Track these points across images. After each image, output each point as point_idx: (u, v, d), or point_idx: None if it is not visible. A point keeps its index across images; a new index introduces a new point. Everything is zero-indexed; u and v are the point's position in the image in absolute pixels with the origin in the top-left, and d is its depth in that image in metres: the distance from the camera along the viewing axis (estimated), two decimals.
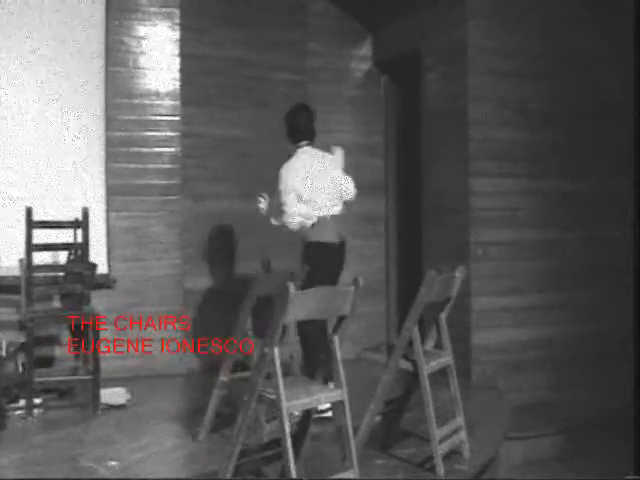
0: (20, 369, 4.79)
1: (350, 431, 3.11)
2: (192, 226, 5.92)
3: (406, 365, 3.59)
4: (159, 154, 5.84)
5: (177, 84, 5.89)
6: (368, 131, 6.65)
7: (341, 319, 3.15)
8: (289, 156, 4.58)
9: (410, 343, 3.54)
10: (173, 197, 5.87)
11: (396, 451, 3.81)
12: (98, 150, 5.63)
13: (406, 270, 6.60)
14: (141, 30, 5.81)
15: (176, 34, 5.88)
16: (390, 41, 6.45)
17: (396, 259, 6.74)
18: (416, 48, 6.00)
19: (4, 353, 4.81)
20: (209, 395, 3.99)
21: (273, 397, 2.94)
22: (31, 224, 4.78)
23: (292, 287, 2.87)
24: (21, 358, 4.77)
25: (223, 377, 3.96)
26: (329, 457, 3.60)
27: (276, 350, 2.93)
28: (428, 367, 3.55)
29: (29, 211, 4.78)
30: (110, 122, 5.67)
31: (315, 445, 3.64)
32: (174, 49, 5.89)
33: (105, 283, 5.48)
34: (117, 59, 5.72)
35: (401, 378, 3.79)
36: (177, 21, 5.88)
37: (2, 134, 5.37)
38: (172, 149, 5.88)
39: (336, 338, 3.13)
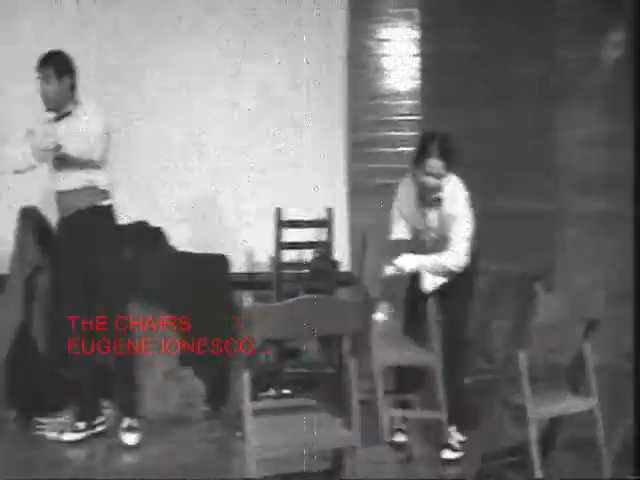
0: (270, 359, 5.06)
1: (602, 443, 2.96)
2: None
3: None
4: (399, 154, 5.90)
5: (417, 83, 5.93)
6: (616, 123, 6.25)
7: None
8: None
9: None
10: None
11: None
12: (340, 151, 5.81)
13: None
14: (382, 32, 5.92)
15: (416, 33, 5.92)
16: None
17: None
18: None
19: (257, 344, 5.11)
20: None
21: (519, 402, 2.87)
22: (280, 223, 5.03)
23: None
24: (272, 349, 5.04)
25: None
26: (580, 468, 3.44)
27: (522, 354, 2.85)
28: None
29: (279, 211, 5.03)
30: (352, 123, 5.83)
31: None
32: (414, 49, 5.93)
33: (347, 280, 5.63)
34: (359, 62, 5.87)
35: None
36: (417, 20, 5.92)
37: (253, 135, 5.72)
38: (411, 149, 5.90)
39: (587, 345, 2.99)
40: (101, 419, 4.23)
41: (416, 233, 4.03)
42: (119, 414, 4.19)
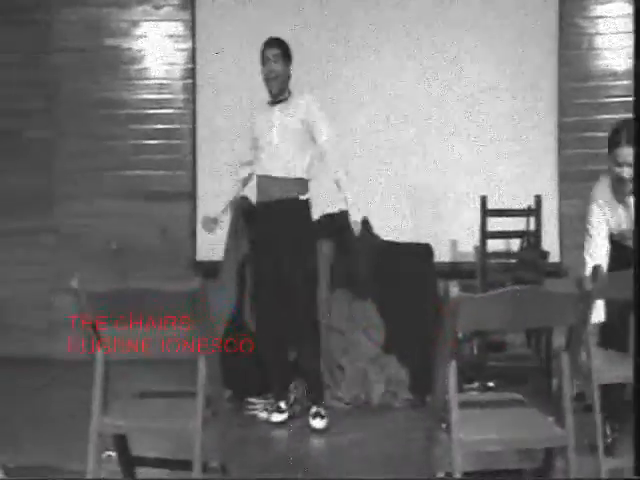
0: (475, 352, 4.98)
1: None
2: None
3: None
4: None
5: (634, 62, 5.54)
6: None
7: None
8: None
9: None
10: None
11: None
12: (551, 136, 5.58)
13: None
14: (596, 10, 5.61)
15: (631, 8, 5.55)
16: None
17: None
18: None
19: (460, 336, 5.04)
20: None
21: None
22: (486, 212, 4.92)
23: None
24: (477, 341, 4.95)
25: None
26: None
27: None
28: None
29: (484, 199, 4.92)
30: (564, 107, 5.58)
31: None
32: (630, 25, 5.56)
33: (557, 271, 5.41)
34: (571, 42, 5.60)
35: None
36: None
37: (458, 122, 5.64)
38: None
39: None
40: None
41: (621, 236, 3.74)
42: (308, 401, 4.33)
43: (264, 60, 4.19)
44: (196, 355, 2.65)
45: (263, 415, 4.38)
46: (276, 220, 4.15)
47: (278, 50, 4.18)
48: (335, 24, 5.72)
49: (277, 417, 4.29)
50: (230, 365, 4.36)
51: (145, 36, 5.94)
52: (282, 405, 4.32)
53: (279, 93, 4.18)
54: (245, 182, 4.43)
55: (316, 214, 4.90)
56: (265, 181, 4.20)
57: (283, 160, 4.14)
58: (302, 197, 4.20)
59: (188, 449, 2.61)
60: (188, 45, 5.87)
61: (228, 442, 3.14)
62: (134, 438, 2.93)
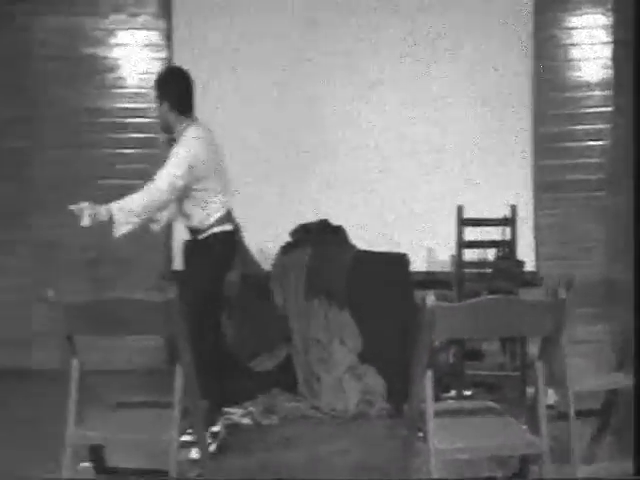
0: (451, 360, 5.00)
1: None
2: (622, 223, 5.61)
3: None
4: (588, 148, 5.65)
5: (609, 73, 5.63)
6: None
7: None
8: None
9: None
10: (601, 193, 5.64)
11: None
12: (525, 146, 5.63)
13: None
14: (571, 20, 5.67)
15: (608, 20, 5.63)
16: None
17: None
18: None
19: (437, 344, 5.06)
20: None
21: None
22: (462, 221, 4.94)
23: None
24: (453, 350, 4.97)
25: None
26: None
27: None
28: None
29: (460, 209, 4.95)
30: (539, 117, 5.64)
31: None
32: (605, 36, 5.64)
33: (532, 281, 5.45)
34: (547, 53, 5.66)
35: None
36: (609, 6, 5.62)
37: (432, 130, 5.66)
38: (601, 142, 5.64)
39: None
40: None
41: None
42: None
43: None
44: (172, 365, 2.65)
45: (245, 421, 4.35)
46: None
47: (155, 92, 4.11)
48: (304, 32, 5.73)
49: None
50: (206, 375, 4.36)
51: (121, 44, 5.92)
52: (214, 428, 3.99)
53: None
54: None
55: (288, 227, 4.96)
56: None
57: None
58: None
59: (165, 460, 2.60)
60: (164, 54, 5.87)
61: (206, 452, 3.13)
62: (111, 449, 2.91)
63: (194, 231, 4.09)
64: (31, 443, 3.98)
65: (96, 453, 2.83)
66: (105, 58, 5.92)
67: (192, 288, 3.82)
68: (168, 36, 5.84)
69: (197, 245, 4.08)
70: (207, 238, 4.03)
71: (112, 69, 5.91)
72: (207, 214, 4.01)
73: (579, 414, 3.23)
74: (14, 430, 4.25)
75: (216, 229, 4.02)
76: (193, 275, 4.05)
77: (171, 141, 4.07)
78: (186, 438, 3.58)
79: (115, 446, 2.91)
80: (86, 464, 2.91)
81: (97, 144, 5.90)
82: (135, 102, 5.90)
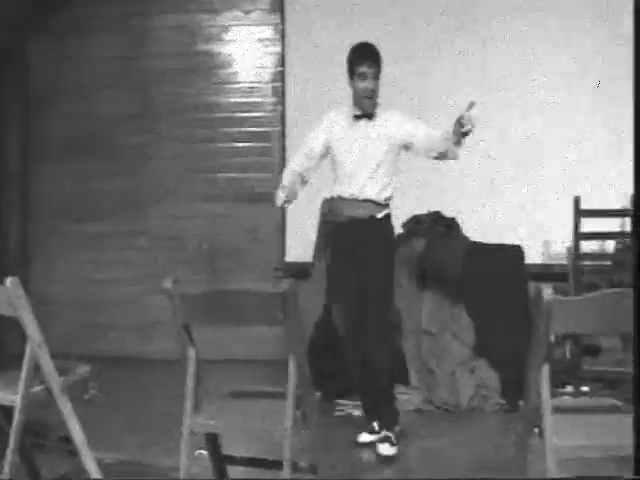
0: (568, 355, 4.86)
1: None
2: None
3: None
4: None
5: None
6: None
7: None
8: None
9: None
10: None
11: None
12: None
13: None
14: None
15: None
16: None
17: None
18: None
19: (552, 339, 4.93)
20: None
21: None
22: (579, 213, 4.79)
23: None
24: (570, 345, 4.83)
25: None
26: None
27: None
28: None
29: (577, 200, 4.79)
30: None
31: None
32: None
33: None
34: None
35: None
36: None
37: (551, 122, 5.53)
38: None
39: None
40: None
41: None
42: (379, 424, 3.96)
43: (358, 75, 3.81)
44: (286, 355, 2.68)
45: (357, 413, 4.36)
46: (354, 237, 3.89)
47: (377, 67, 3.81)
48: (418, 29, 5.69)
49: (365, 437, 3.98)
50: (319, 366, 4.41)
51: (235, 40, 6.04)
52: (375, 425, 3.96)
53: (371, 111, 3.86)
54: (298, 178, 3.96)
55: (404, 215, 4.92)
56: (338, 201, 3.95)
57: (358, 182, 3.86)
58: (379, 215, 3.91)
59: (278, 449, 2.64)
60: (277, 49, 5.94)
61: (318, 443, 3.16)
62: (226, 437, 2.98)
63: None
64: (150, 431, 4.13)
65: (212, 441, 2.91)
66: (219, 54, 6.05)
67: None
68: (281, 30, 5.91)
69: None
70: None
71: (226, 65, 6.04)
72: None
73: None
74: (134, 418, 4.43)
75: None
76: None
77: (360, 117, 3.88)
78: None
79: (230, 435, 2.98)
80: (202, 451, 2.99)
81: (212, 139, 6.04)
82: (249, 97, 6.01)
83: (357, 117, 3.89)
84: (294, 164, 4.00)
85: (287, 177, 3.93)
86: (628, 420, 2.66)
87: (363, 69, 3.79)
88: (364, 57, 3.82)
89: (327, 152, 3.96)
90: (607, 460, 3.29)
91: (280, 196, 3.82)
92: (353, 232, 3.88)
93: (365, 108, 3.85)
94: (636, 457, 2.53)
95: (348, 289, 3.93)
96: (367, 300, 3.83)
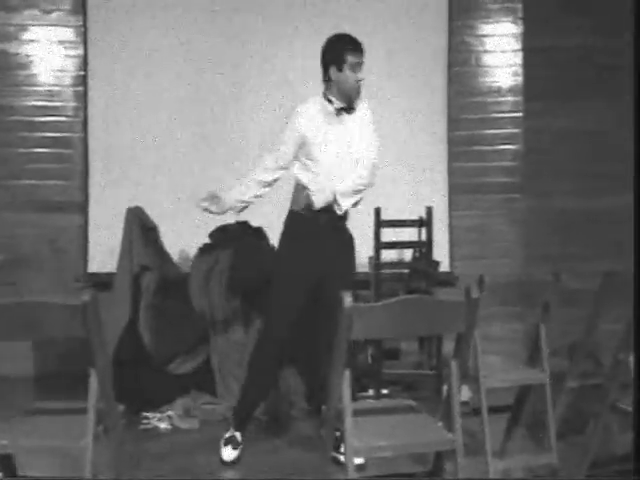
0: (369, 360, 5.05)
1: None
2: (534, 224, 5.79)
3: None
4: (501, 152, 5.80)
5: (519, 79, 5.79)
6: None
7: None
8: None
9: None
10: (515, 195, 5.80)
11: None
12: (441, 150, 5.75)
13: None
14: (483, 28, 5.81)
15: (518, 28, 5.79)
16: None
17: None
18: None
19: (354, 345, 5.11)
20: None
21: (629, 409, 2.76)
22: (380, 223, 5.01)
23: None
24: (371, 350, 5.03)
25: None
26: None
27: (632, 357, 2.74)
28: None
29: (378, 211, 5.01)
30: (452, 122, 5.76)
31: None
32: (516, 44, 5.80)
33: (448, 281, 5.56)
34: (460, 59, 5.78)
35: None
36: (520, 15, 5.78)
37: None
38: (514, 146, 5.81)
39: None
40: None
41: None
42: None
43: (350, 65, 3.68)
44: (87, 369, 2.60)
45: (164, 425, 4.29)
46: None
47: (363, 58, 3.74)
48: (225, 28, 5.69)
49: (229, 454, 3.81)
50: (124, 379, 4.29)
51: (34, 41, 5.76)
52: (239, 437, 3.87)
53: (356, 104, 3.77)
54: (266, 185, 3.85)
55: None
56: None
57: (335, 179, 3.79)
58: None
59: (80, 466, 2.55)
60: (80, 51, 5.74)
61: (122, 457, 3.08)
62: (26, 457, 2.84)
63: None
64: None
65: (5, 463, 2.75)
66: (16, 54, 5.75)
67: None
68: (83, 33, 5.71)
69: None
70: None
71: (24, 66, 5.75)
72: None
73: (493, 410, 3.32)
74: None
75: None
76: None
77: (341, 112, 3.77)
78: None
79: (30, 454, 2.84)
80: None
81: (9, 143, 5.72)
82: (49, 100, 5.75)
83: (340, 110, 3.77)
84: (262, 173, 3.83)
85: (252, 190, 3.81)
86: (421, 419, 2.82)
87: (356, 59, 3.70)
88: (357, 47, 3.72)
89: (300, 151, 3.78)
90: (404, 457, 3.48)
91: (235, 208, 3.81)
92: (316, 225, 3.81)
93: (353, 100, 3.74)
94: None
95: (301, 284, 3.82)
96: (321, 299, 3.78)
